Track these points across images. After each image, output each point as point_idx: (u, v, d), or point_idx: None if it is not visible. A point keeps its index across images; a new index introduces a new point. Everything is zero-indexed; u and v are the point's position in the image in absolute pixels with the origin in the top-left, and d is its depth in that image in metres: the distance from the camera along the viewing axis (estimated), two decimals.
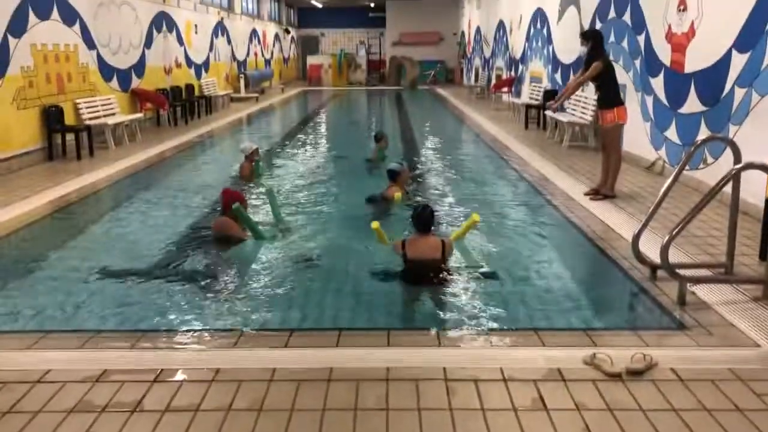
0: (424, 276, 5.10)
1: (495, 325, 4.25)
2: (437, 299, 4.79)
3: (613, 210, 7.16)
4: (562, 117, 12.32)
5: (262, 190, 8.25)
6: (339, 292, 4.98)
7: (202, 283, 5.17)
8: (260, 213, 7.15)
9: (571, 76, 13.22)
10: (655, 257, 4.96)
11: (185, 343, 3.99)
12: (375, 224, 5.61)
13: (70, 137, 10.96)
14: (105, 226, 7.16)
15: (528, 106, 14.90)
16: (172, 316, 4.50)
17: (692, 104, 8.14)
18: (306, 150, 12.48)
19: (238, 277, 5.35)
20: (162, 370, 3.60)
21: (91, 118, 11.73)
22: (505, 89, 19.55)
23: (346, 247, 6.06)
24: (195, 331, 4.21)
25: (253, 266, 5.57)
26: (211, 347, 3.94)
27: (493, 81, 22.19)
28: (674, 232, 4.51)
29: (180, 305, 4.71)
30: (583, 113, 11.78)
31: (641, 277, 5.03)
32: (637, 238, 5.01)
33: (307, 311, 4.66)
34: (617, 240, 6.03)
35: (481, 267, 5.43)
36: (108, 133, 11.94)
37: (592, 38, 7.59)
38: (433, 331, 4.11)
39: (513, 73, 19.57)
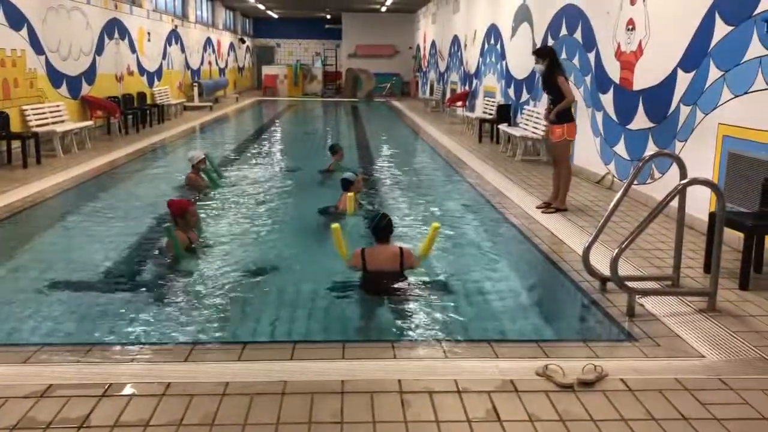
0: (383, 286, 5.10)
1: (449, 337, 4.27)
2: (393, 311, 4.80)
3: (565, 223, 7.30)
4: (514, 131, 12.52)
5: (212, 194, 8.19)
6: (293, 304, 4.94)
7: (152, 295, 5.07)
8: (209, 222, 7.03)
9: (524, 92, 13.49)
10: (604, 270, 5.07)
11: (134, 357, 3.90)
12: (335, 226, 5.55)
13: (15, 144, 10.65)
14: (51, 237, 6.97)
15: (482, 120, 15.11)
16: (120, 329, 4.39)
17: (640, 121, 8.37)
18: (260, 161, 12.38)
19: (188, 289, 5.26)
20: (110, 384, 3.51)
21: (38, 125, 11.43)
22: (460, 103, 19.79)
23: (300, 258, 6.03)
24: (145, 344, 4.12)
25: (205, 278, 5.48)
26: (161, 361, 3.86)
27: (448, 95, 22.44)
28: (623, 245, 4.62)
29: (129, 318, 4.60)
30: (536, 128, 12.00)
31: (591, 289, 5.13)
32: (587, 251, 5.11)
33: (260, 324, 4.61)
34: (568, 253, 6.15)
35: (436, 279, 5.46)
36: (56, 140, 11.64)
37: (548, 55, 7.76)
38: (389, 344, 4.11)
39: (467, 87, 19.83)
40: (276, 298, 5.07)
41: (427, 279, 5.41)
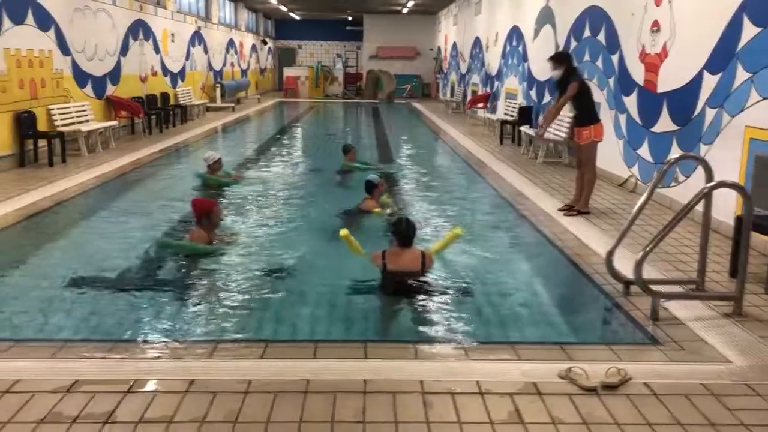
0: (403, 288, 5.10)
1: (471, 339, 4.26)
2: (414, 312, 4.80)
3: (587, 226, 7.24)
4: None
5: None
6: (315, 304, 4.96)
7: (176, 293, 5.12)
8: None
9: (546, 94, 13.42)
10: (628, 273, 5.02)
11: (158, 354, 3.94)
12: (344, 232, 5.54)
13: (42, 143, 10.81)
14: (77, 234, 7.07)
15: (503, 122, 15.05)
16: (144, 326, 4.45)
17: (664, 123, 8.29)
18: (281, 161, 12.44)
19: (211, 287, 5.29)
20: (135, 380, 3.54)
21: (64, 125, 11.58)
22: (481, 105, 19.73)
23: (321, 258, 6.05)
24: (168, 341, 4.15)
25: (227, 277, 5.52)
26: (185, 358, 3.89)
27: (469, 96, 22.39)
28: (648, 249, 4.57)
29: (153, 315, 4.66)
30: (558, 130, 11.93)
31: (615, 292, 5.09)
32: (610, 254, 5.07)
33: (282, 323, 4.64)
34: (591, 255, 6.10)
35: (458, 281, 5.45)
36: (81, 140, 11.79)
37: (565, 61, 7.73)
38: (410, 344, 4.11)
39: (488, 89, 19.76)
40: (297, 298, 5.09)
41: (447, 280, 5.40)
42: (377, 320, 4.84)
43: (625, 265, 5.30)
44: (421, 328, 4.50)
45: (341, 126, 21.95)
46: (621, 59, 9.69)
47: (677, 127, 7.98)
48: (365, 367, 3.75)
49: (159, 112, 16.42)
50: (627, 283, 5.07)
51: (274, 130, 19.18)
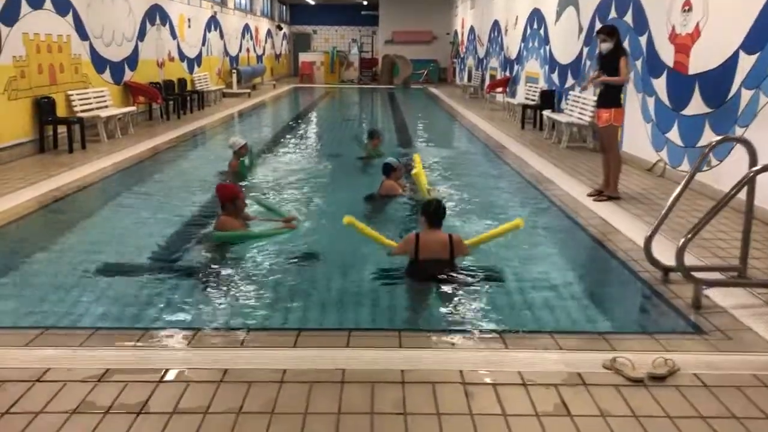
0: (432, 274, 4.99)
1: (507, 328, 4.13)
2: (446, 299, 4.68)
3: (617, 211, 7.08)
4: (560, 117, 12.25)
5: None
6: (343, 291, 4.86)
7: (203, 279, 5.04)
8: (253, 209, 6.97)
9: (569, 77, 13.17)
10: (665, 259, 4.88)
11: (189, 342, 3.85)
12: (347, 219, 5.34)
13: (62, 129, 10.75)
14: (101, 220, 7.00)
15: (524, 107, 14.81)
16: (173, 314, 4.36)
17: (696, 106, 8.07)
18: (300, 148, 12.32)
19: (239, 274, 5.20)
20: (167, 370, 3.46)
21: (83, 111, 11.52)
22: (500, 89, 19.47)
23: (347, 245, 5.91)
24: (199, 329, 4.06)
25: (255, 264, 5.43)
26: (217, 346, 3.79)
27: (487, 81, 22.11)
28: (690, 235, 4.41)
29: (181, 302, 4.58)
30: (582, 114, 11.71)
31: (652, 279, 4.94)
32: (649, 240, 4.92)
33: (312, 310, 4.54)
34: (625, 241, 5.94)
35: (488, 267, 5.31)
36: (100, 125, 11.73)
37: (615, 35, 7.56)
38: (445, 333, 3.99)
39: (508, 73, 19.49)
40: (325, 285, 5.00)
41: (477, 267, 5.25)
42: (408, 308, 4.74)
43: (660, 251, 5.13)
44: (454, 316, 4.38)
45: (358, 111, 21.77)
46: (649, 40, 9.45)
47: (710, 110, 7.76)
48: (401, 357, 3.64)
49: (176, 98, 16.33)
50: (666, 270, 4.92)
51: (291, 115, 19.06)
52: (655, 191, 8.06)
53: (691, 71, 8.23)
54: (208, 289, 4.84)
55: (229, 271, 5.28)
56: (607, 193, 7.63)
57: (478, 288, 4.85)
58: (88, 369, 3.44)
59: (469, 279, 4.99)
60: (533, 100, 15.04)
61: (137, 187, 8.53)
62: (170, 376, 3.40)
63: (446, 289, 4.82)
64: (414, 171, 7.44)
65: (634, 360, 3.53)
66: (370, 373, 3.42)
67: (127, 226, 6.59)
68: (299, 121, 17.39)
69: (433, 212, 5.16)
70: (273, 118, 19.05)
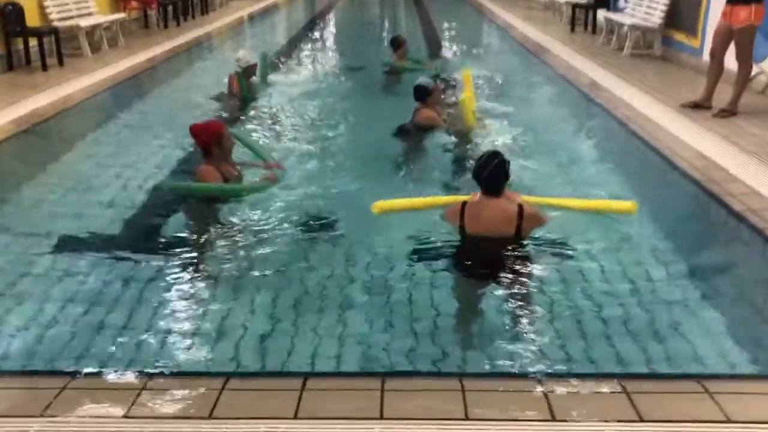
0: (489, 260, 3.51)
1: (627, 368, 2.68)
2: (515, 307, 3.19)
3: (711, 138, 5.58)
4: (621, 18, 10.33)
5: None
6: (364, 288, 3.40)
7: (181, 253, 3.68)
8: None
9: None
10: None
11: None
12: (378, 206, 3.87)
13: (33, 42, 9.13)
14: (75, 157, 5.61)
15: (574, 6, 12.71)
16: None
17: None
18: (314, 59, 10.64)
19: (226, 249, 3.81)
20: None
21: (60, 19, 9.85)
22: None
23: (367, 206, 4.40)
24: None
25: (246, 232, 4.03)
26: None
27: None
28: None
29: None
30: (648, 14, 9.80)
31: None
32: None
33: (322, 303, 3.16)
34: (731, 181, 4.41)
35: (568, 246, 3.77)
36: (82, 37, 10.05)
37: None
38: (536, 383, 2.52)
39: None
40: (339, 267, 3.59)
41: (554, 246, 3.73)
42: (456, 327, 3.17)
43: None
44: (539, 344, 2.87)
45: (378, 13, 19.68)
46: None
47: None
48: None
49: (176, 2, 14.46)
50: None
51: (306, 19, 17.17)
52: (757, 113, 6.41)
53: None
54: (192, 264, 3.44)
55: (214, 244, 3.86)
56: (728, 108, 6.31)
57: (557, 285, 3.34)
58: None
59: (549, 268, 3.49)
60: None
61: (125, 111, 7.22)
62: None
63: (512, 288, 3.31)
64: (462, 95, 5.80)
65: None
66: None
67: (90, 180, 5.10)
68: (315, 24, 15.57)
69: (489, 177, 3.62)
70: (286, 22, 17.21)
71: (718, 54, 6.52)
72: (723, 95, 6.50)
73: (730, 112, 6.34)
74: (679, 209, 4.56)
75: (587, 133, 6.28)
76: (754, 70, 7.45)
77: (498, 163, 3.64)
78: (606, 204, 3.93)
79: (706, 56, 8.20)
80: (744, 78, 6.37)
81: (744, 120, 6.21)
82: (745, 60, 6.31)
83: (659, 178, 5.07)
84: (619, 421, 2.26)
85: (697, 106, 6.49)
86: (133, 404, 2.33)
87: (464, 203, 3.67)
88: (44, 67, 8.91)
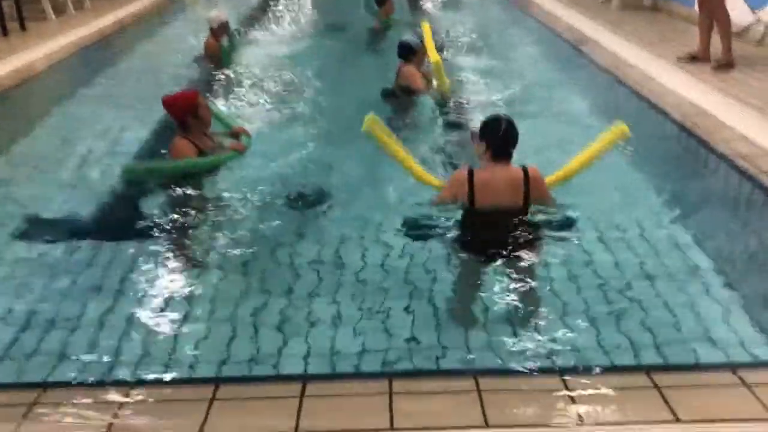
0: (497, 236, 3.25)
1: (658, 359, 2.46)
2: (527, 292, 2.93)
3: (701, 87, 5.42)
4: None
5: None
6: (359, 271, 3.11)
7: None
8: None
9: None
10: None
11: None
12: (369, 121, 3.56)
13: None
14: (34, 138, 5.22)
15: None
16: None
17: None
18: (291, 16, 10.12)
19: (201, 226, 3.56)
20: None
21: None
22: None
23: (355, 175, 4.12)
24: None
25: (231, 210, 3.73)
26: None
27: None
28: None
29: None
30: None
31: None
32: None
33: (311, 287, 2.91)
34: (736, 140, 4.19)
35: (567, 216, 3.50)
36: None
37: None
38: (554, 376, 2.29)
39: None
40: (330, 248, 3.31)
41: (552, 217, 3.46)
42: (470, 315, 2.88)
43: None
44: (562, 337, 2.60)
45: None
46: None
47: None
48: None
49: None
50: None
51: None
52: (756, 64, 6.15)
53: None
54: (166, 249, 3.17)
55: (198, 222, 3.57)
56: (723, 60, 6.03)
57: (571, 265, 3.09)
58: None
59: (560, 242, 3.25)
60: None
61: (91, 79, 6.75)
62: None
63: (522, 271, 3.02)
64: (432, 59, 5.45)
65: None
66: None
67: (55, 157, 4.74)
68: None
69: (503, 137, 3.34)
70: None
71: (700, 6, 6.27)
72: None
73: (726, 64, 6.08)
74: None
75: (577, 89, 6.06)
76: (751, 18, 7.19)
77: (508, 125, 3.35)
78: (602, 145, 3.58)
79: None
80: (724, 25, 6.06)
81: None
82: (719, 6, 6.03)
83: (669, 141, 4.82)
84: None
85: (695, 59, 6.24)
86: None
87: (470, 171, 3.38)
88: (4, 32, 8.42)
